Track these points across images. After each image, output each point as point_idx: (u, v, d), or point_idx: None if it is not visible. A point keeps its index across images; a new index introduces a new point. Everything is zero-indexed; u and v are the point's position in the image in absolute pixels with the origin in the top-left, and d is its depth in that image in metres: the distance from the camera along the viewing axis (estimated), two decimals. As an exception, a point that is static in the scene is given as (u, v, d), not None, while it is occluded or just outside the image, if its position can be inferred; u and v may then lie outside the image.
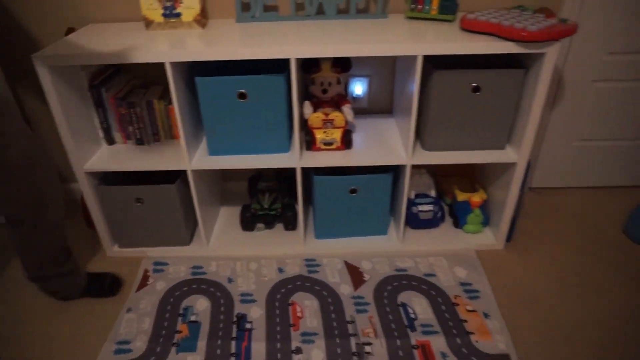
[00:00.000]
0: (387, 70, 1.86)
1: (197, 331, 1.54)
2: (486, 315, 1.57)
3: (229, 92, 1.54)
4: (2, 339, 1.54)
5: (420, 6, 1.59)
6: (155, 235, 1.82)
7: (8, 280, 1.77)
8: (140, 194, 1.71)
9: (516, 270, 1.75)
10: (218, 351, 1.48)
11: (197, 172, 1.69)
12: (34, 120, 1.97)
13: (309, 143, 1.67)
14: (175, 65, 1.47)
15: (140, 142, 1.76)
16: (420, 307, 1.61)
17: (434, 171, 2.14)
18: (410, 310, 1.60)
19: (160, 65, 1.43)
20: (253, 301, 1.65)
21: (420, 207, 1.86)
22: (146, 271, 1.79)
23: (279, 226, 1.95)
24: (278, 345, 1.49)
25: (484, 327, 1.53)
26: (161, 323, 1.58)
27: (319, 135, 1.66)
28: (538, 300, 1.62)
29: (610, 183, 2.17)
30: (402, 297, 1.65)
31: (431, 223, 1.90)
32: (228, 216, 2.03)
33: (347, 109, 1.68)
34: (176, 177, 1.72)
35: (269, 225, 1.94)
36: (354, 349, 1.47)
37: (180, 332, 1.55)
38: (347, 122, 1.68)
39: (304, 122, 1.70)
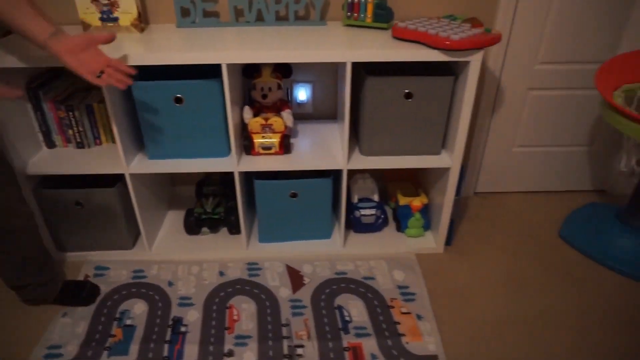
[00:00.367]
0: (330, 76, 1.89)
1: (131, 335, 1.54)
2: (419, 317, 1.60)
3: (165, 96, 1.55)
4: None
5: (356, 14, 1.63)
6: (97, 239, 1.81)
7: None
8: (80, 198, 1.70)
9: (452, 273, 1.79)
10: (150, 354, 1.48)
11: (137, 176, 1.70)
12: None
13: (248, 147, 1.69)
14: (110, 69, 1.47)
15: (80, 145, 1.76)
16: (356, 309, 1.63)
17: (380, 176, 2.18)
18: (345, 313, 1.62)
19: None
20: (191, 305, 1.65)
21: (363, 212, 1.89)
22: (87, 276, 1.78)
23: (224, 230, 1.96)
24: (211, 348, 1.49)
25: (415, 329, 1.56)
26: (96, 327, 1.57)
27: (258, 140, 1.68)
28: (470, 301, 1.66)
29: (549, 188, 2.24)
30: (339, 300, 1.67)
31: (374, 227, 1.93)
32: (175, 220, 2.03)
33: (286, 114, 1.70)
34: (119, 181, 1.72)
35: (214, 229, 1.95)
36: (285, 351, 1.49)
37: (114, 336, 1.54)
38: (286, 127, 1.70)
39: (244, 127, 1.72)
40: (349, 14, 1.64)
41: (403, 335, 1.54)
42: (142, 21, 1.65)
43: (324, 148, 1.76)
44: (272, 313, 1.62)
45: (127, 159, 1.63)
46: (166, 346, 1.50)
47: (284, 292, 1.70)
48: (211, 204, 1.88)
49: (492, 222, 2.07)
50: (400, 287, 1.72)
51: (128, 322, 1.59)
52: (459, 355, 1.47)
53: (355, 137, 1.80)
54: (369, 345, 1.51)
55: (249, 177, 1.84)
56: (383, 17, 1.60)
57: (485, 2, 1.76)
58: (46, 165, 1.66)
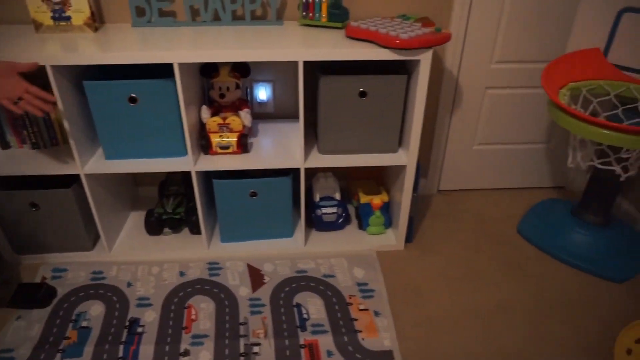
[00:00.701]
0: (290, 75, 1.90)
1: (86, 337, 1.53)
2: (377, 314, 1.62)
3: (119, 96, 1.54)
4: None
5: (311, 14, 1.64)
6: (55, 241, 1.79)
7: None
8: (34, 199, 1.68)
9: (411, 270, 1.81)
10: (105, 356, 1.46)
11: (94, 177, 1.68)
12: None
13: (205, 147, 1.69)
14: (61, 68, 1.46)
15: (36, 146, 1.73)
16: (314, 307, 1.64)
17: (344, 175, 2.19)
18: (304, 311, 1.63)
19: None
20: (149, 305, 1.64)
21: (324, 210, 1.91)
22: (44, 278, 1.75)
23: (186, 230, 1.95)
24: (167, 348, 1.49)
25: (372, 325, 1.58)
26: (50, 330, 1.55)
27: (215, 139, 1.68)
28: (427, 297, 1.69)
29: (510, 185, 2.28)
30: (299, 297, 1.68)
31: (335, 225, 1.94)
32: (138, 221, 2.02)
33: (244, 113, 1.71)
34: (76, 182, 1.70)
35: (176, 229, 1.94)
36: (242, 349, 1.49)
37: (68, 338, 1.52)
38: (244, 127, 1.71)
39: (203, 126, 1.72)
40: (304, 13, 1.65)
41: (359, 331, 1.56)
42: (96, 20, 1.64)
43: (283, 147, 1.77)
44: (230, 312, 1.62)
45: (82, 159, 1.61)
46: (121, 347, 1.49)
47: (243, 291, 1.70)
48: (172, 204, 1.88)
49: (453, 219, 2.10)
50: (359, 284, 1.74)
51: (84, 324, 1.57)
52: (413, 350, 1.49)
53: (315, 136, 1.81)
54: (325, 342, 1.52)
55: (210, 177, 1.84)
56: (338, 16, 1.61)
57: (440, 2, 1.79)
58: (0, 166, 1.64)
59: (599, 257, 1.80)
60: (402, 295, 1.70)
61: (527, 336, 1.54)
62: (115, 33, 1.62)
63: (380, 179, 2.13)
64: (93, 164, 1.65)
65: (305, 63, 1.78)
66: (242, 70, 1.73)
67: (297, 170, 1.76)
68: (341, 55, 1.44)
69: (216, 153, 1.70)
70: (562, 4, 1.81)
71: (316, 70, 1.58)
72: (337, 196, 1.94)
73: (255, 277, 1.77)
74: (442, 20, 1.82)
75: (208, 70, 1.69)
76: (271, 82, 1.91)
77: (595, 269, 1.77)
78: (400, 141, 1.75)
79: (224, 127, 1.68)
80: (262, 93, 1.92)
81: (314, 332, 1.55)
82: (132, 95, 1.54)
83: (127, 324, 1.57)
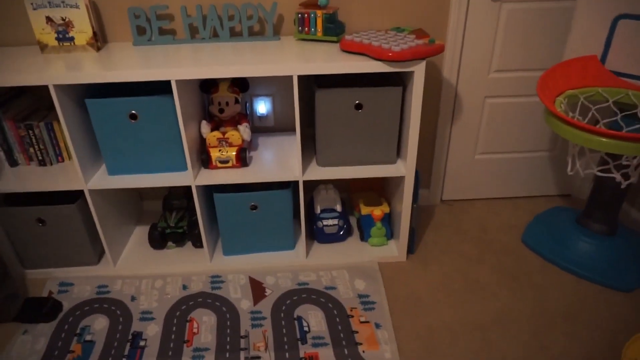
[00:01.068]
0: (289, 89, 1.92)
1: (90, 350, 1.55)
2: (378, 326, 1.61)
3: (120, 113, 1.58)
4: None
5: (307, 28, 1.66)
6: (61, 255, 1.83)
7: None
8: (41, 215, 1.72)
9: (413, 281, 1.80)
10: (107, 369, 1.48)
11: (98, 192, 1.72)
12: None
13: (205, 161, 1.71)
14: (64, 87, 1.50)
15: (42, 163, 1.78)
16: (315, 320, 1.64)
17: (346, 187, 2.20)
18: (304, 324, 1.63)
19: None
20: (152, 319, 1.66)
21: (325, 222, 1.91)
22: (50, 292, 1.79)
23: (190, 244, 1.97)
24: (167, 361, 1.50)
25: (373, 338, 1.57)
26: (55, 344, 1.58)
27: (215, 154, 1.70)
28: (428, 308, 1.67)
29: (514, 194, 2.26)
30: (300, 310, 1.68)
31: (337, 237, 1.94)
32: (143, 235, 2.05)
33: (243, 127, 1.73)
34: (80, 197, 1.74)
35: (179, 243, 1.96)
36: (242, 362, 1.50)
37: (73, 352, 1.55)
38: (243, 141, 1.73)
39: (204, 141, 1.74)
40: (300, 28, 1.68)
41: (360, 344, 1.55)
42: (99, 40, 1.69)
43: (282, 160, 1.78)
44: (231, 325, 1.63)
45: (86, 175, 1.65)
46: (123, 361, 1.51)
47: (244, 304, 1.71)
48: (174, 218, 1.90)
49: (456, 230, 2.08)
50: (360, 296, 1.74)
51: (88, 337, 1.60)
52: (414, 363, 1.48)
53: (313, 149, 1.83)
54: (326, 354, 1.51)
55: (212, 191, 1.87)
56: (333, 30, 1.63)
57: (436, 14, 1.80)
58: (7, 183, 1.68)
59: (605, 266, 1.77)
60: (403, 307, 1.69)
61: (529, 348, 1.52)
62: (117, 52, 1.66)
63: (381, 190, 2.13)
64: (96, 180, 1.68)
65: (303, 77, 1.81)
66: (241, 85, 1.76)
67: (296, 183, 1.77)
68: (334, 69, 1.45)
69: (216, 167, 1.73)
70: (558, 12, 1.81)
71: (312, 83, 1.60)
72: (338, 208, 1.95)
73: (257, 289, 1.78)
74: (439, 31, 1.83)
75: (207, 85, 1.72)
76: (270, 97, 1.93)
77: (601, 279, 1.74)
78: (398, 152, 1.76)
79: (223, 142, 1.70)
80: (262, 107, 1.95)
81: (315, 345, 1.55)
82: (133, 112, 1.58)
83: (130, 337, 1.59)
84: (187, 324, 1.64)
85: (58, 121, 1.72)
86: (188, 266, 1.87)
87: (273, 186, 1.80)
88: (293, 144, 1.91)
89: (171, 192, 2.00)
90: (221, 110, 1.73)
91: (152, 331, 1.61)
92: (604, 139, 1.39)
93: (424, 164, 2.16)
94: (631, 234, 1.89)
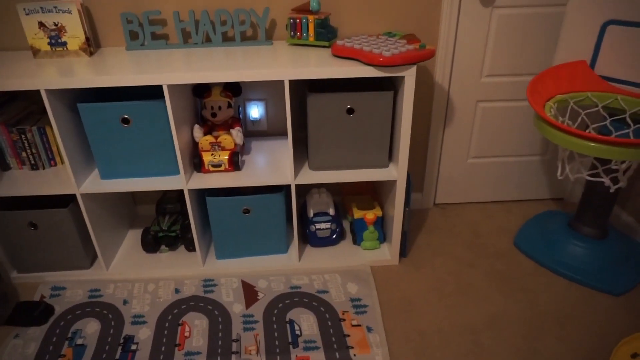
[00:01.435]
0: (282, 94, 1.93)
1: (81, 354, 1.55)
2: (369, 329, 1.61)
3: (112, 117, 1.58)
4: None
5: (299, 33, 1.67)
6: (54, 259, 1.83)
7: None
8: (34, 219, 1.72)
9: (405, 284, 1.81)
10: (98, 374, 1.48)
11: (90, 196, 1.72)
12: None
13: (198, 165, 1.72)
14: (57, 92, 1.51)
15: (35, 167, 1.78)
16: (307, 323, 1.65)
17: (339, 190, 2.21)
18: (296, 327, 1.63)
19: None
20: (144, 322, 1.66)
21: (318, 225, 1.92)
22: (42, 296, 1.78)
23: (182, 247, 1.98)
24: (159, 365, 1.50)
25: (364, 341, 1.57)
26: (46, 348, 1.57)
27: (207, 158, 1.71)
28: (420, 312, 1.68)
29: (507, 197, 2.27)
30: (292, 314, 1.68)
31: (330, 241, 1.95)
32: (136, 239, 2.05)
33: (235, 131, 1.74)
34: (73, 201, 1.74)
35: (172, 246, 1.96)
36: (233, 366, 1.50)
37: (64, 356, 1.54)
38: (236, 145, 1.73)
39: (196, 145, 1.75)
40: (292, 33, 1.69)
41: (352, 347, 1.55)
42: (92, 45, 1.69)
43: (274, 164, 1.79)
44: (223, 329, 1.63)
45: (79, 179, 1.66)
46: (114, 365, 1.51)
47: (237, 308, 1.71)
48: (167, 222, 1.90)
49: (449, 233, 2.09)
50: (353, 300, 1.74)
51: (79, 341, 1.60)
52: (405, 366, 1.48)
53: (306, 153, 1.83)
54: (317, 358, 1.51)
55: (204, 195, 1.87)
56: (324, 35, 1.64)
57: (427, 19, 1.81)
58: (-1, 187, 1.68)
59: (596, 270, 1.78)
60: (395, 310, 1.69)
61: (521, 351, 1.52)
62: (109, 57, 1.67)
63: (373, 194, 2.13)
64: (89, 184, 1.68)
65: (295, 81, 1.82)
66: (233, 89, 1.76)
67: (289, 186, 1.78)
68: (326, 74, 1.46)
69: (208, 171, 1.73)
70: (548, 17, 1.82)
71: (305, 88, 1.61)
72: (331, 212, 1.95)
73: (249, 293, 1.78)
74: (430, 36, 1.84)
75: (200, 90, 1.73)
76: (263, 101, 1.94)
77: (592, 282, 1.75)
78: (390, 156, 1.77)
79: (216, 146, 1.71)
80: (255, 111, 1.96)
81: (306, 349, 1.55)
82: (125, 116, 1.58)
83: (121, 341, 1.59)
84: (179, 327, 1.64)
85: (50, 125, 1.73)
86: (181, 270, 1.87)
87: (266, 190, 1.80)
88: (285, 148, 1.91)
89: (164, 196, 2.01)
90: (214, 115, 1.73)
91: (144, 335, 1.61)
92: (592, 144, 1.40)
93: (417, 168, 2.17)
94: (622, 238, 1.90)
